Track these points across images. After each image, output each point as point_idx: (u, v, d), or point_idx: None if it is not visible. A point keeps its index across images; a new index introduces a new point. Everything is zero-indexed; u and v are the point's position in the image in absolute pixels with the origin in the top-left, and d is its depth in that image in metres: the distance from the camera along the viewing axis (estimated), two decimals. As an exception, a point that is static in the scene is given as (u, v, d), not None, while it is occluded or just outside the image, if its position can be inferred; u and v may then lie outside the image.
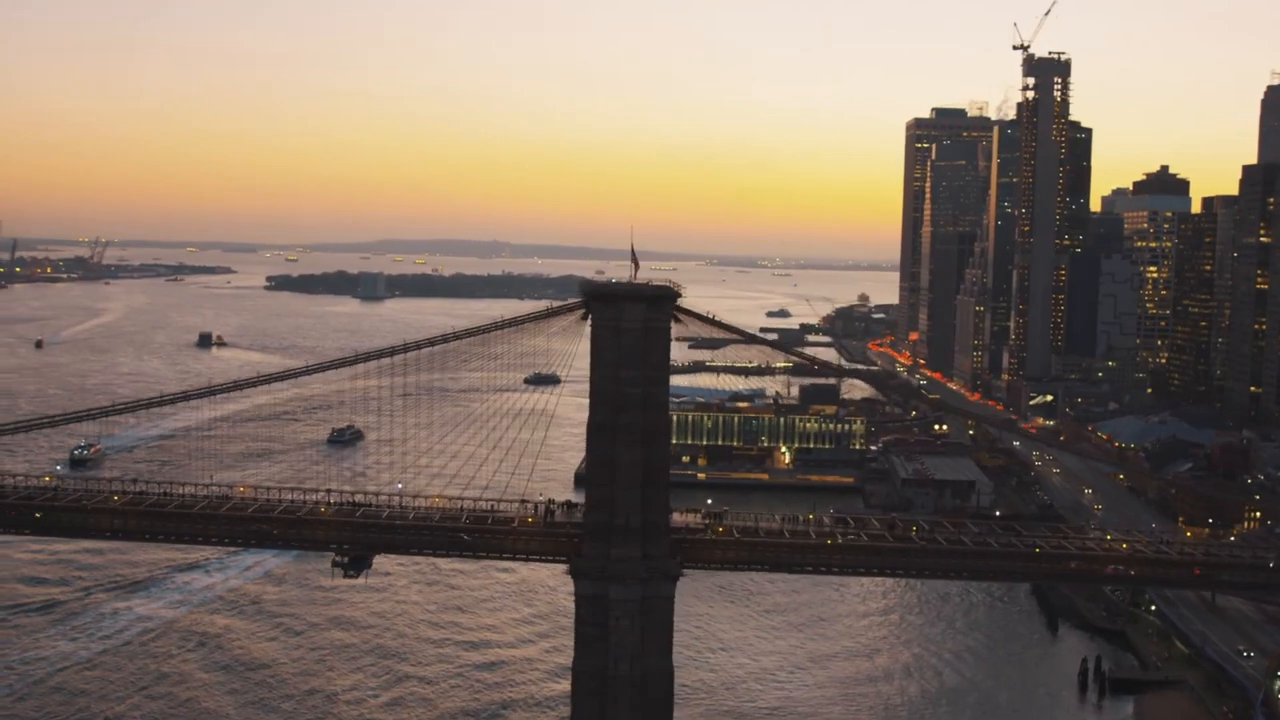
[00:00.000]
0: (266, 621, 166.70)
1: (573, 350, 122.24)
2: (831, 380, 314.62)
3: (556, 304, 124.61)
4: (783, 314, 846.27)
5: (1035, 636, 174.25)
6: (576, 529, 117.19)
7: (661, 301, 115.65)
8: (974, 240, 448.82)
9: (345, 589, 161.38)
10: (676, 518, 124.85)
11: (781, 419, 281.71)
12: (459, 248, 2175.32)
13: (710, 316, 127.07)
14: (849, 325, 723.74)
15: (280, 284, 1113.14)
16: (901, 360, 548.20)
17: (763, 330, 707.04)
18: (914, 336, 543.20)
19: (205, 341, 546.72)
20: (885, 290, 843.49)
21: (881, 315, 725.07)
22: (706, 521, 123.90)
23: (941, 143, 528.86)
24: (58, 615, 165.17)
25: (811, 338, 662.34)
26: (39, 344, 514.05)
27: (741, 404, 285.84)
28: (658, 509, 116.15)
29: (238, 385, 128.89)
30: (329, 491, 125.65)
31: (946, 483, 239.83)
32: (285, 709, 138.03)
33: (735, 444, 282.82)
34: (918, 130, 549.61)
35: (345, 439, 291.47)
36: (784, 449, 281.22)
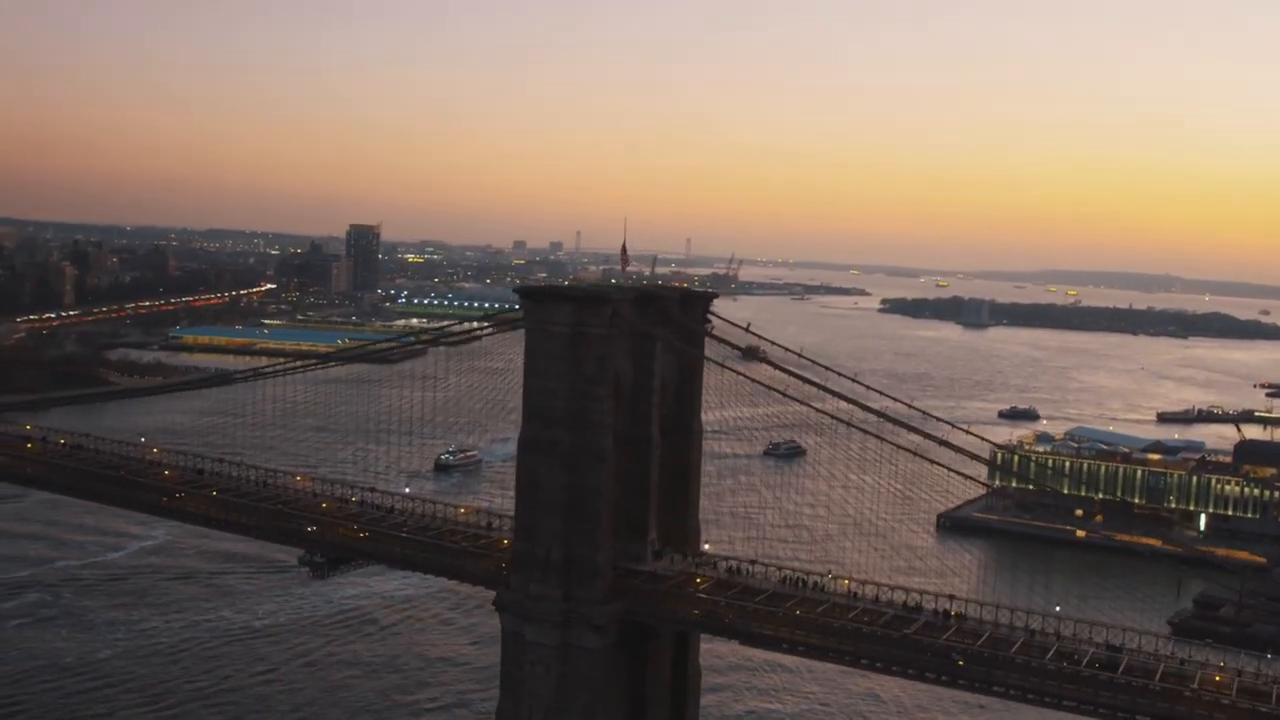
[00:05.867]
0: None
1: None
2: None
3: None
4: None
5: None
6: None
7: (596, 304, 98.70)
8: None
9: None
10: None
11: (1194, 478, 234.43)
12: (1124, 280, 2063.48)
13: (745, 327, 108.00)
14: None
15: (893, 307, 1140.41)
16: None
17: (1266, 387, 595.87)
18: None
19: (749, 355, 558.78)
20: None
21: None
22: (683, 569, 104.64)
23: None
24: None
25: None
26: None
27: (1152, 455, 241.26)
28: (589, 544, 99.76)
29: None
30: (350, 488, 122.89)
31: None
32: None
33: (1137, 501, 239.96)
34: None
35: (781, 453, 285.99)
36: (1197, 512, 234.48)
